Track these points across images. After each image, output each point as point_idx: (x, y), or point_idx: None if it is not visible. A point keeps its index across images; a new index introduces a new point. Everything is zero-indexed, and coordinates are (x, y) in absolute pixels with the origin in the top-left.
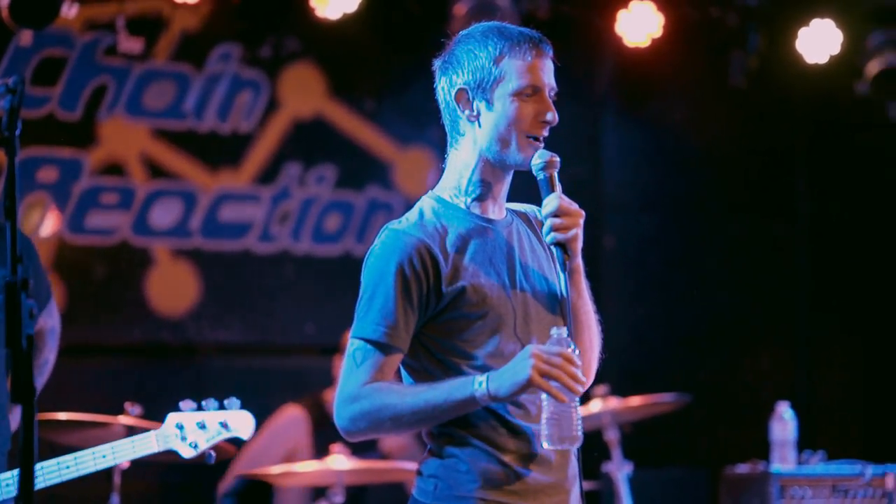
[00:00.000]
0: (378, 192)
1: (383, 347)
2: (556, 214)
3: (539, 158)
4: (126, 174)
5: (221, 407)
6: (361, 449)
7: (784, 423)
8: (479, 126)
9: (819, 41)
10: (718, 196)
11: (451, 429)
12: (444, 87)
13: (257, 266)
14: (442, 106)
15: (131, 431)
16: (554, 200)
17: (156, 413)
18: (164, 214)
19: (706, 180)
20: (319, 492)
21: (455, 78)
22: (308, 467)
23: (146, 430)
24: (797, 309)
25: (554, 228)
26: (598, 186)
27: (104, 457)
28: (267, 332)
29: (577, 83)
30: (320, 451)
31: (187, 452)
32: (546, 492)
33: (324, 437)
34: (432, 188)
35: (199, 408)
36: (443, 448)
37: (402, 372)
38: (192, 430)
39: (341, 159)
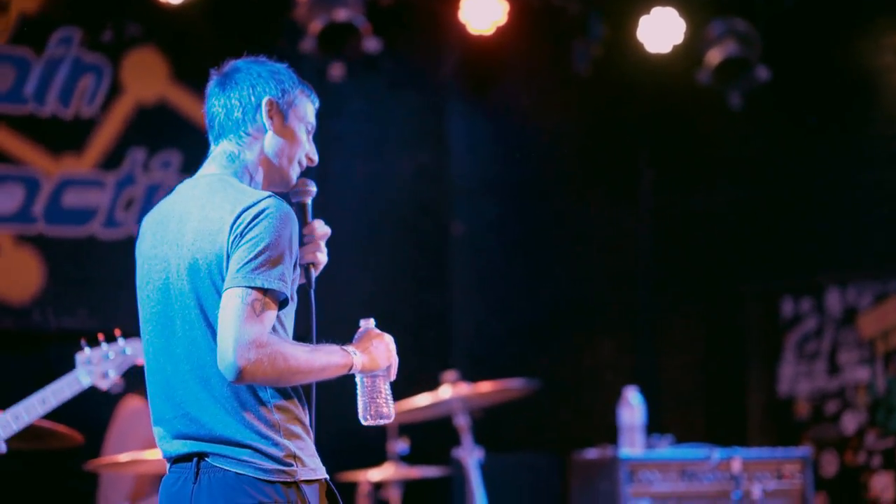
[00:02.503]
0: None
1: (282, 304)
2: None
3: (312, 186)
4: None
5: (113, 340)
6: None
7: (632, 408)
8: (273, 135)
9: (661, 30)
10: (563, 182)
11: (292, 411)
12: (250, 93)
13: (102, 252)
14: (237, 106)
15: None
16: (326, 227)
17: (1, 400)
18: (6, 200)
19: (551, 167)
20: None
21: (263, 86)
22: (156, 455)
23: None
24: (642, 294)
25: (320, 251)
26: (444, 173)
27: (44, 402)
28: (112, 319)
29: (422, 71)
30: None
31: (104, 383)
32: None
33: None
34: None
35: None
36: (285, 429)
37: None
38: (100, 362)
39: (186, 145)
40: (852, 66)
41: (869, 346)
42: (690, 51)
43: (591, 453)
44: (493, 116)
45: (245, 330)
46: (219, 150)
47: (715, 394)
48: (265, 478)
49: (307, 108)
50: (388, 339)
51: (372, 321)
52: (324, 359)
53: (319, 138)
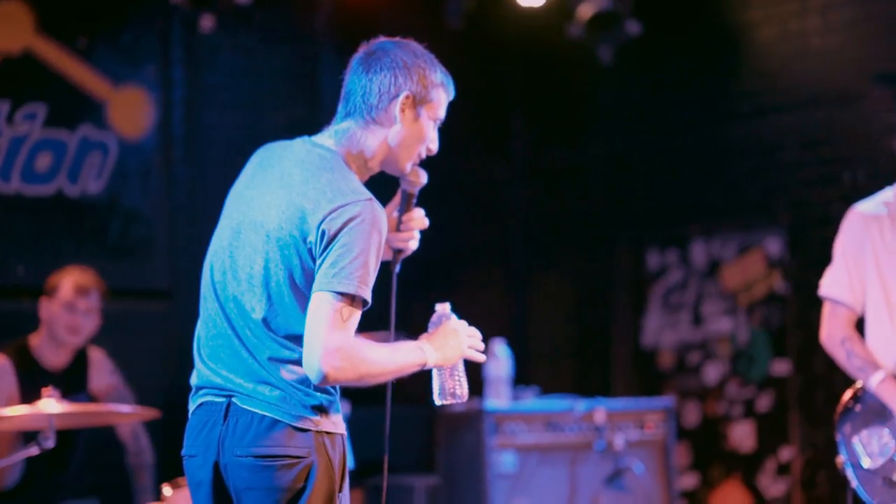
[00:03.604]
0: (91, 131)
1: (363, 307)
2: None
3: (423, 177)
4: None
5: None
6: (72, 392)
7: (498, 360)
8: (401, 128)
9: None
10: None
11: None
12: (391, 82)
13: None
14: (375, 92)
15: None
16: (425, 219)
17: None
18: None
19: None
20: (30, 436)
21: (405, 79)
22: (18, 411)
23: None
24: (515, 247)
25: (413, 239)
26: (316, 127)
27: None
28: None
29: (295, 23)
30: (28, 396)
31: None
32: None
33: (31, 381)
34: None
35: None
36: (320, 392)
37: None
38: None
39: (52, 97)
40: (721, 21)
41: (732, 298)
42: (562, 5)
43: (457, 406)
44: None
45: (332, 337)
46: (343, 126)
47: (583, 345)
48: (291, 422)
49: (441, 104)
50: (462, 330)
51: (448, 305)
52: (401, 360)
53: (189, 90)
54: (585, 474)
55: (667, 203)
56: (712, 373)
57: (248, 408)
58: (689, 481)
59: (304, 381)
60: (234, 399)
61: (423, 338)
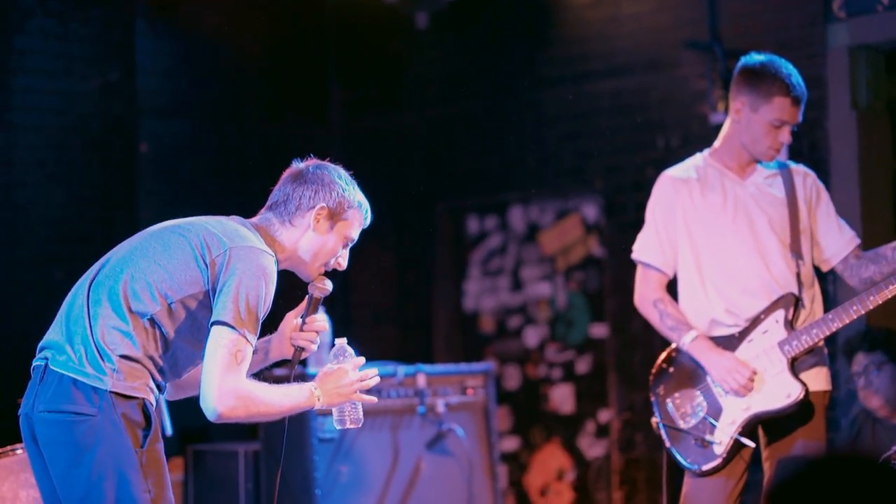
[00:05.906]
0: None
1: (253, 344)
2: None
3: (328, 285)
4: None
5: None
6: None
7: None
8: (314, 236)
9: None
10: (252, 102)
11: (137, 348)
12: (312, 194)
13: None
14: (296, 200)
15: None
16: (326, 323)
17: None
18: None
19: (240, 86)
20: None
21: (325, 193)
22: None
23: None
24: None
25: (312, 342)
26: (132, 92)
27: None
28: None
29: None
30: None
31: None
32: None
33: None
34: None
35: None
36: (123, 353)
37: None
38: None
39: None
40: None
41: (550, 263)
42: None
43: (277, 372)
44: (180, 35)
45: (227, 379)
46: (265, 216)
47: (404, 311)
48: (87, 381)
49: (354, 226)
50: (353, 375)
51: (344, 341)
52: (291, 403)
53: (1, 55)
54: (407, 439)
55: (485, 169)
56: (532, 337)
57: (56, 368)
58: (510, 444)
59: (108, 347)
60: (49, 361)
61: (318, 379)
